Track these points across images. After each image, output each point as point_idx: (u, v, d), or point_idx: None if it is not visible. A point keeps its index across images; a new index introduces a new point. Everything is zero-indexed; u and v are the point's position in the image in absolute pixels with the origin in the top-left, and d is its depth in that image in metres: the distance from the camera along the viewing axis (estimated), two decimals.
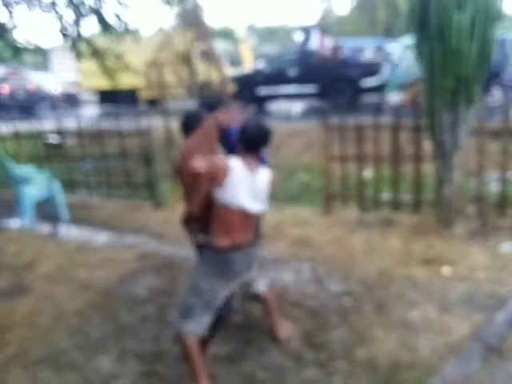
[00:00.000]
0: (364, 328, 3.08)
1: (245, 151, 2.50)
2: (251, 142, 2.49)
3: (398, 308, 3.31)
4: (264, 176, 2.53)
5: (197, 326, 2.45)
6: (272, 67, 13.49)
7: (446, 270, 3.81)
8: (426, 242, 4.29)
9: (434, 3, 3.97)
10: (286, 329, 3.03)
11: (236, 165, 2.40)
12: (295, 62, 13.06)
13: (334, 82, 12.32)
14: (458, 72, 4.05)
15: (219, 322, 2.64)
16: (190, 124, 2.86)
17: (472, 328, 2.97)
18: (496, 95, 11.62)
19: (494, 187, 5.17)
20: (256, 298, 2.97)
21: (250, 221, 2.52)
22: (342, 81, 12.32)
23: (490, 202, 4.83)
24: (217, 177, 2.35)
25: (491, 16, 3.96)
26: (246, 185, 2.41)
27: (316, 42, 13.20)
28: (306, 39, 13.32)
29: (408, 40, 10.81)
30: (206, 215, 2.51)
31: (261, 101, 13.63)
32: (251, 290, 2.84)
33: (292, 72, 12.93)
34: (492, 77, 11.88)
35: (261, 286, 2.85)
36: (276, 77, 13.06)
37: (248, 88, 13.34)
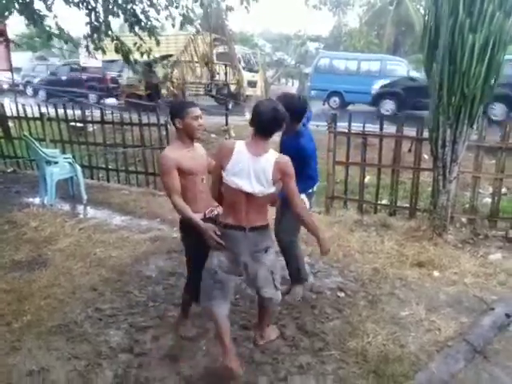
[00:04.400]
0: (357, 322, 3.09)
1: (255, 134, 2.35)
2: (263, 127, 2.32)
3: (389, 305, 3.31)
4: (269, 160, 2.34)
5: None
6: None
7: (436, 273, 3.81)
8: (420, 246, 4.28)
9: (447, 24, 3.93)
10: (271, 333, 2.89)
11: (239, 148, 2.34)
12: None
13: None
14: (466, 91, 4.02)
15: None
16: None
17: (459, 330, 2.96)
18: None
19: (487, 200, 5.16)
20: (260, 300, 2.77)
21: (254, 203, 2.39)
22: None
23: (483, 214, 4.81)
24: (221, 160, 2.36)
25: (504, 39, 3.90)
26: (245, 167, 2.31)
27: None
28: None
29: None
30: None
31: None
32: (260, 292, 2.63)
33: None
34: None
35: (268, 292, 2.61)
36: None
37: None
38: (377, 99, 13.63)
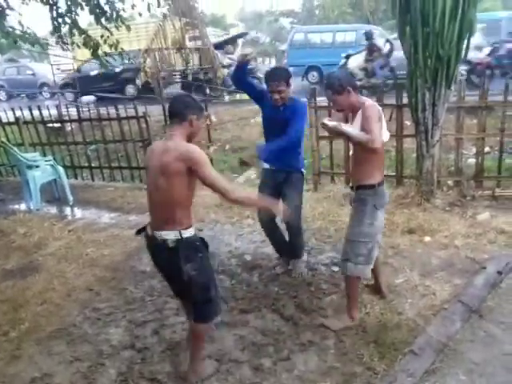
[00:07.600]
0: None
1: (357, 91, 2.69)
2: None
3: (384, 275, 3.33)
4: None
5: None
6: None
7: (427, 238, 3.85)
8: (409, 213, 4.33)
9: None
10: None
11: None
12: None
13: None
14: (441, 52, 4.00)
15: None
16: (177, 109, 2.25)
17: (453, 292, 3.02)
18: None
19: (471, 160, 5.19)
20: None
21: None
22: None
23: (468, 175, 4.85)
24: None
25: None
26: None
27: None
28: None
29: None
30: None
31: None
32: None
33: None
34: None
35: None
36: None
37: None
38: None
